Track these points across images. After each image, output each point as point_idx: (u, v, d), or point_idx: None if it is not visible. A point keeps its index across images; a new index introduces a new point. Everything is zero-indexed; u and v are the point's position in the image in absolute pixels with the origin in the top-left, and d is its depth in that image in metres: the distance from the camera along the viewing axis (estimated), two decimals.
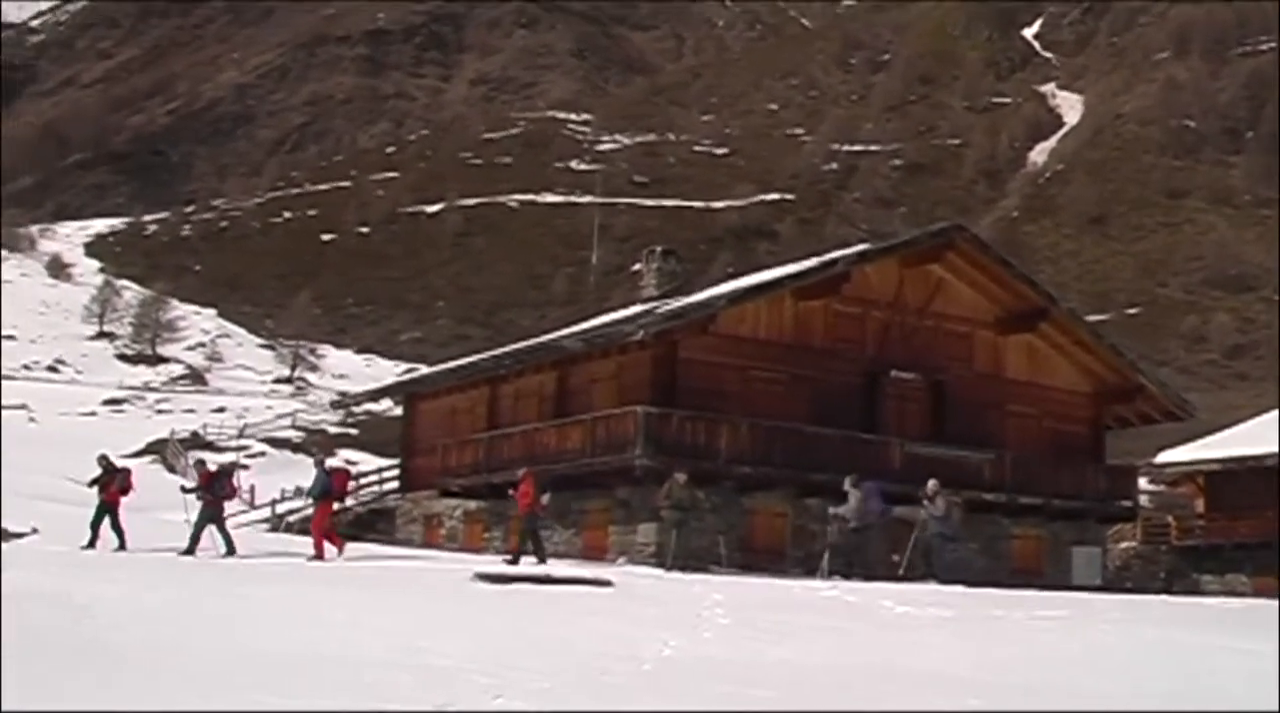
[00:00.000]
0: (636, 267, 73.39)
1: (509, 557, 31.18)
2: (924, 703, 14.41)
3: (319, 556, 29.86)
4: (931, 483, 31.90)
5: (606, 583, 25.96)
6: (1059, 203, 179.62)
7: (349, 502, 53.53)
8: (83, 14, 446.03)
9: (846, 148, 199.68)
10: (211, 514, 30.52)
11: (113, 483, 31.08)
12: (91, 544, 29.90)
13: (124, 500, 31.11)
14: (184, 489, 31.66)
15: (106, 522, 30.51)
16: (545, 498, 32.77)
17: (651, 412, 36.40)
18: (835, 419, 38.71)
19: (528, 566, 29.77)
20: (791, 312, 39.94)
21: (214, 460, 42.41)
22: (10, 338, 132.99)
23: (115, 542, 30.15)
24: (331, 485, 31.36)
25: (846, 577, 30.53)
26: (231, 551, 29.72)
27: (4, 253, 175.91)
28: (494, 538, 42.33)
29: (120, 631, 17.79)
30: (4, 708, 11.55)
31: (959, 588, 27.76)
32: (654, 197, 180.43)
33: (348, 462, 53.39)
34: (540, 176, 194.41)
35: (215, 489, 30.96)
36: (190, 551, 29.42)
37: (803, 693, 15.06)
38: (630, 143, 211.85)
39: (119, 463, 31.68)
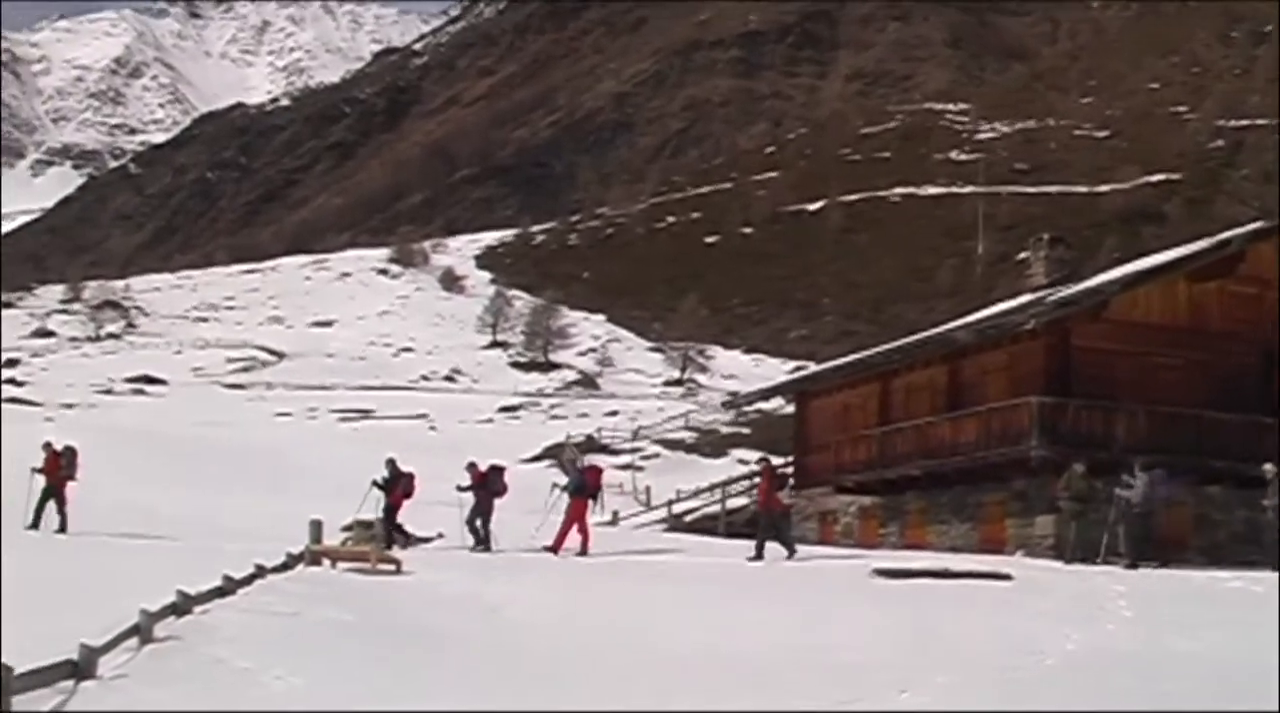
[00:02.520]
0: (1022, 255, 72.30)
1: (752, 554, 30.91)
2: None
3: (584, 551, 30.55)
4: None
5: (1005, 576, 25.70)
6: None
7: (744, 500, 53.95)
8: (462, 34, 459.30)
9: (1232, 124, 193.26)
10: (482, 510, 31.56)
11: (398, 486, 32.04)
12: (485, 545, 31.09)
13: (406, 504, 32.06)
14: (460, 488, 32.29)
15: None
16: (784, 493, 32.52)
17: (1046, 402, 35.80)
18: (1234, 404, 37.50)
19: (782, 560, 29.73)
20: (1185, 295, 38.84)
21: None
22: (408, 350, 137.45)
23: (400, 540, 31.27)
24: (585, 482, 31.88)
25: (1134, 564, 29.79)
26: (487, 547, 30.86)
27: (398, 267, 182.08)
28: (889, 534, 42.13)
29: (532, 632, 18.27)
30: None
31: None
32: (1036, 183, 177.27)
33: (740, 461, 53.59)
34: (920, 169, 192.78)
35: (489, 486, 31.89)
36: (483, 545, 30.95)
37: (1209, 689, 14.70)
38: (1010, 130, 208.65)
39: (404, 467, 32.50)
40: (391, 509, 31.66)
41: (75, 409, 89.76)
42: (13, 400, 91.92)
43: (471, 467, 32.54)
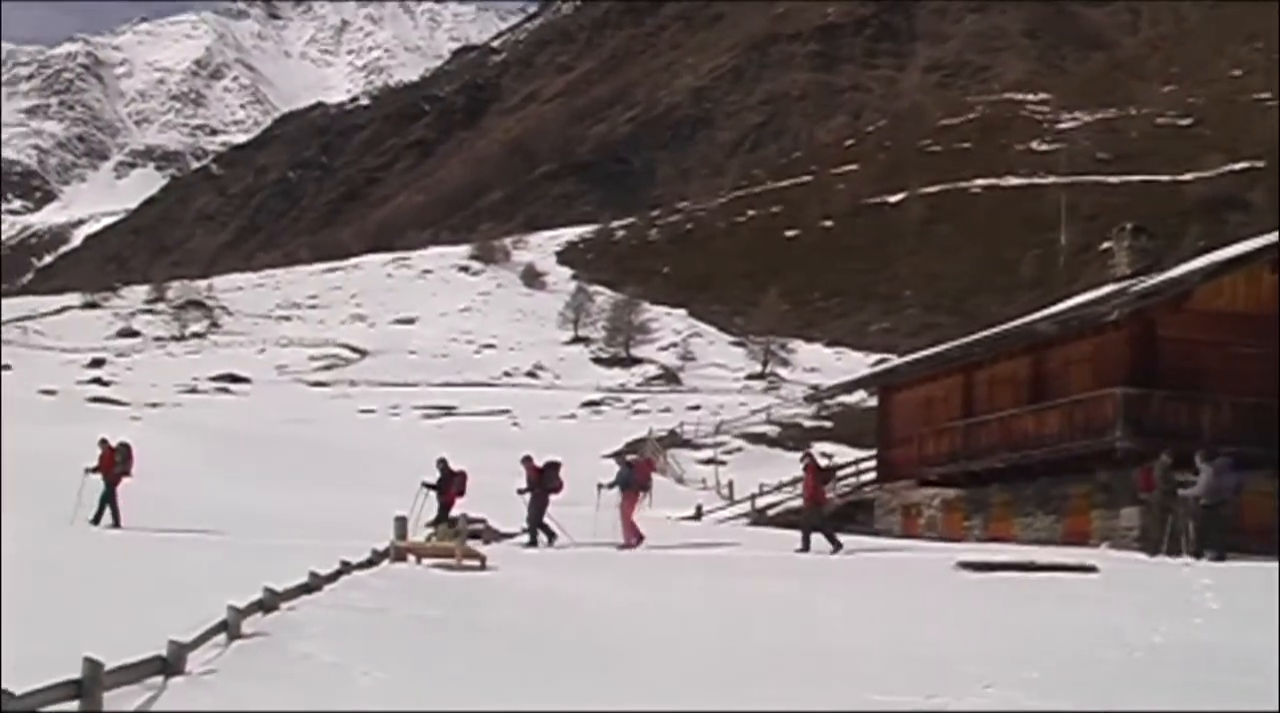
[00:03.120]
0: (1105, 245, 71.62)
1: (798, 547, 30.84)
2: None
3: (631, 544, 30.89)
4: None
5: (1091, 569, 25.57)
6: None
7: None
8: (540, 31, 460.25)
9: None
10: (540, 507, 31.81)
11: (451, 485, 32.12)
12: (536, 541, 31.38)
13: (459, 501, 32.04)
14: (520, 491, 32.45)
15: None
16: (829, 486, 32.44)
17: (1130, 393, 35.61)
18: None
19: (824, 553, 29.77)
20: (1270, 284, 38.47)
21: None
22: (490, 346, 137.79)
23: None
24: (634, 477, 32.06)
25: (1198, 555, 29.49)
26: (547, 542, 31.11)
27: (479, 264, 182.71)
28: (973, 526, 41.99)
29: (616, 626, 18.31)
30: None
31: None
32: (1119, 173, 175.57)
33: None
34: (1001, 159, 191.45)
35: (545, 483, 32.01)
36: (534, 543, 31.28)
37: None
38: (1091, 120, 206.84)
39: (455, 466, 32.60)
40: (446, 508, 31.66)
41: (160, 408, 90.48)
42: (99, 400, 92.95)
43: (527, 461, 32.77)
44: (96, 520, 32.39)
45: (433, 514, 31.42)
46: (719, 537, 36.55)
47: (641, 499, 32.04)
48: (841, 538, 30.65)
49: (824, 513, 32.13)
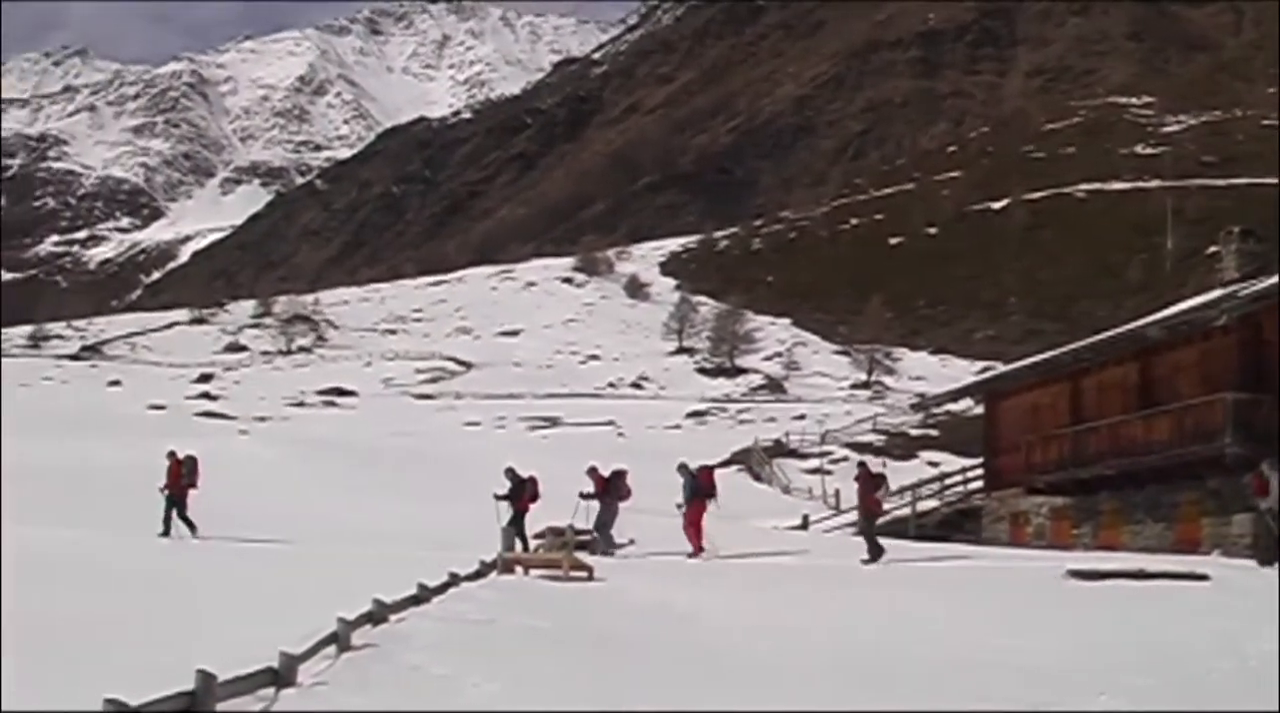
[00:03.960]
0: (1212, 249, 70.95)
1: (865, 557, 30.72)
2: None
3: (698, 553, 30.93)
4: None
5: (1203, 577, 25.29)
6: None
7: (934, 503, 53.67)
8: (641, 42, 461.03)
9: None
10: (609, 516, 32.10)
11: (523, 493, 32.18)
12: (606, 549, 31.36)
13: (532, 508, 32.10)
14: (582, 495, 32.61)
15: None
16: (881, 493, 32.30)
17: (1240, 398, 35.23)
18: None
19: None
20: None
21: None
22: (595, 357, 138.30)
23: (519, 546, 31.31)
24: (700, 485, 32.11)
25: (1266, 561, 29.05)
26: (608, 551, 31.06)
27: (583, 276, 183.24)
28: (1082, 535, 41.63)
29: (724, 636, 18.30)
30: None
31: None
32: (1225, 176, 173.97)
33: (929, 464, 52.99)
34: (1105, 164, 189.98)
35: (613, 491, 32.30)
36: (606, 552, 31.05)
37: None
38: (1195, 123, 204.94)
39: (523, 473, 32.76)
40: (520, 516, 31.84)
41: (267, 422, 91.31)
42: (207, 414, 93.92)
43: (593, 471, 33.02)
44: (166, 533, 33.03)
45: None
46: (824, 546, 36.43)
47: (709, 507, 32.13)
48: (950, 546, 30.54)
49: (874, 521, 32.05)
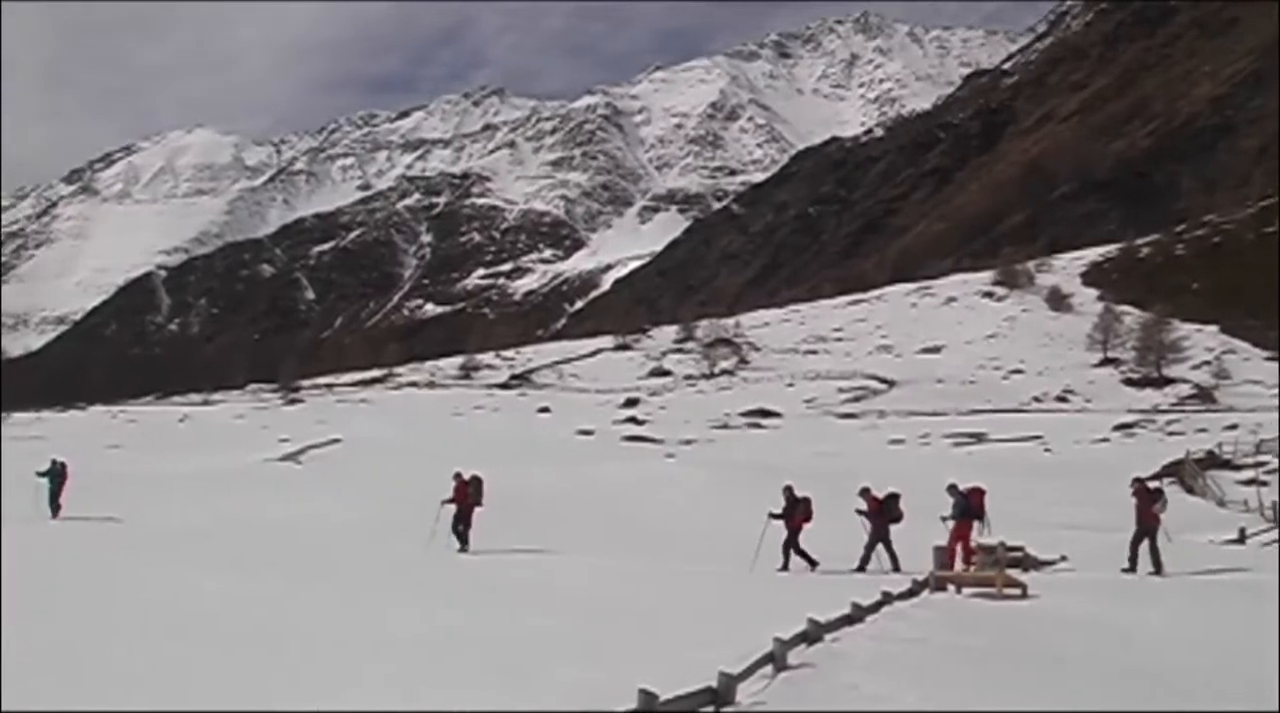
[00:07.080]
0: None
1: (1153, 571, 30.07)
2: None
3: (947, 568, 30.07)
4: None
5: None
6: None
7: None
8: (1051, 50, 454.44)
9: None
10: (881, 536, 32.05)
11: (796, 512, 32.69)
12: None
13: (807, 527, 32.50)
14: (859, 511, 32.28)
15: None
16: (1159, 506, 31.56)
17: None
18: None
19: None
20: None
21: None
22: (1018, 372, 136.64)
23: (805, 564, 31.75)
24: (970, 505, 31.59)
25: None
26: (897, 568, 30.86)
27: (1003, 289, 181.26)
28: None
29: (1153, 654, 17.97)
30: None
31: None
32: None
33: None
34: None
35: (886, 512, 32.24)
36: (862, 568, 31.31)
37: None
38: None
39: (799, 492, 33.10)
40: (795, 534, 32.49)
41: (693, 445, 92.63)
42: (634, 438, 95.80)
43: (865, 493, 33.13)
44: (464, 548, 35.50)
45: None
46: (1265, 560, 35.33)
47: (976, 529, 31.88)
48: None
49: (1152, 536, 31.37)
